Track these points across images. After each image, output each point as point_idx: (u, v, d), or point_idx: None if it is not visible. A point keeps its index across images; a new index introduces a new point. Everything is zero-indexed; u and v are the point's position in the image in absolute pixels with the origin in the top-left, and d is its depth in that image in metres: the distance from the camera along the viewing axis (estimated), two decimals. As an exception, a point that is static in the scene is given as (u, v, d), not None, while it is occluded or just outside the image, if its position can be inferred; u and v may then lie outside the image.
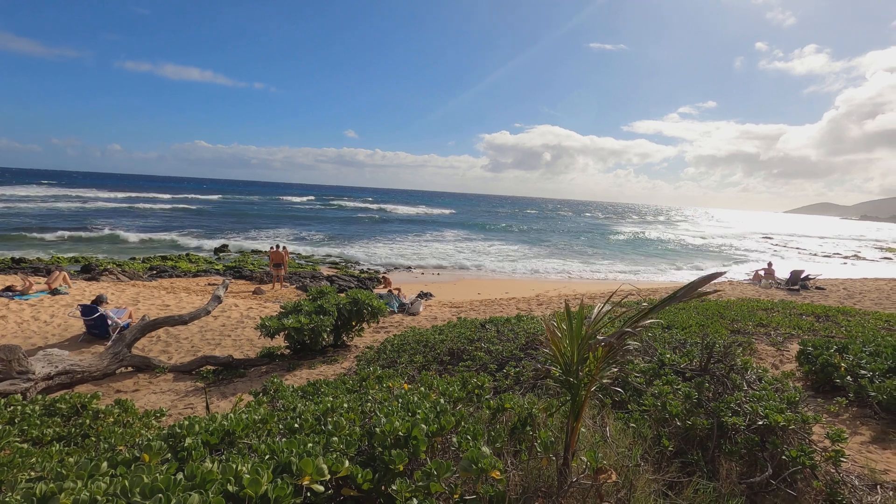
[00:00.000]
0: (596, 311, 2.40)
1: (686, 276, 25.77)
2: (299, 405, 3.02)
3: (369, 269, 23.71)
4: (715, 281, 2.14)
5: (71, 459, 2.30)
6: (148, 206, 51.01)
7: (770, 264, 19.79)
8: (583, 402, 2.32)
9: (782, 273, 19.47)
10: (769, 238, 61.58)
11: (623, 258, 33.38)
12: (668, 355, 4.41)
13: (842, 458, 3.01)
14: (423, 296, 16.21)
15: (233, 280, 17.72)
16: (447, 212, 78.41)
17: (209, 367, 7.82)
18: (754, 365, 4.26)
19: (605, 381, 2.43)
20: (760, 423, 3.08)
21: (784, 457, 2.92)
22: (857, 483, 2.99)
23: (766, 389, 3.60)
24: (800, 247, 49.01)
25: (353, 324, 9.18)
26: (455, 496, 1.95)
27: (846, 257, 39.05)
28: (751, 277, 20.02)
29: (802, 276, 17.73)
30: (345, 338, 9.28)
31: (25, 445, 2.73)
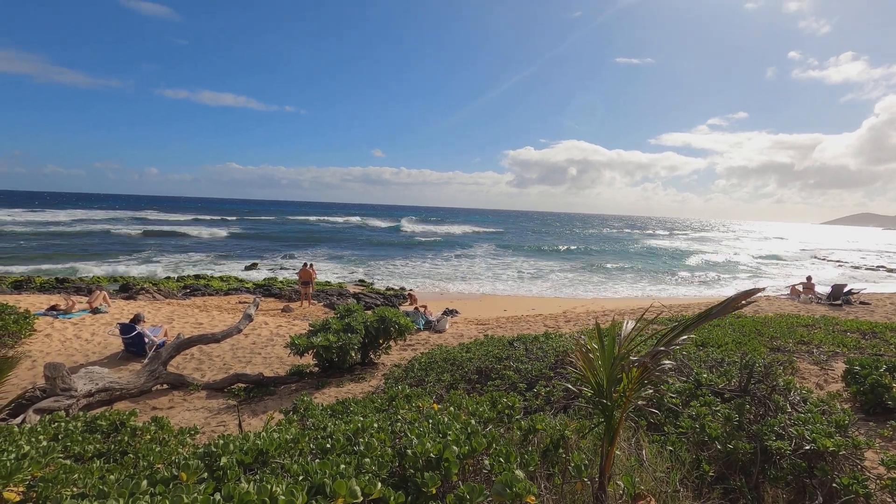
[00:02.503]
0: (627, 328, 2.35)
1: (720, 292, 24.99)
2: (329, 424, 3.04)
3: (396, 286, 23.85)
4: (752, 297, 2.07)
5: (112, 477, 2.36)
6: (186, 229, 52.77)
7: (809, 278, 18.99)
8: (618, 425, 2.26)
9: (823, 287, 18.66)
10: (807, 250, 59.28)
11: (652, 273, 32.65)
12: (704, 375, 4.26)
13: (899, 487, 2.83)
14: (449, 313, 16.17)
15: (262, 298, 18.08)
16: (472, 228, 78.50)
17: (240, 385, 7.95)
18: (797, 385, 4.07)
19: (640, 402, 2.37)
20: (807, 447, 2.93)
21: (835, 485, 2.76)
22: (917, 514, 2.79)
23: (812, 412, 3.43)
24: (841, 259, 46.97)
25: (381, 342, 9.21)
26: (488, 521, 1.92)
27: (891, 270, 37.17)
28: (788, 292, 19.26)
29: (845, 290, 16.92)
30: (372, 355, 9.31)
31: (68, 462, 2.82)
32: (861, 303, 16.29)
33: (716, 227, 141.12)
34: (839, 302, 16.14)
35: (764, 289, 2.42)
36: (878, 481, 2.89)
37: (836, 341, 7.68)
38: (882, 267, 39.40)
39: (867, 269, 38.36)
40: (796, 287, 18.73)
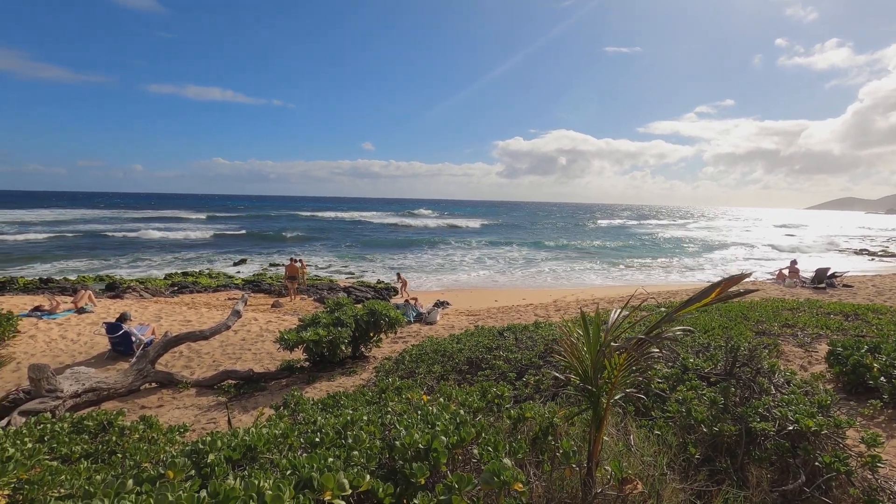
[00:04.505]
0: (613, 316, 2.36)
1: (708, 277, 25.30)
2: (319, 418, 3.03)
3: (386, 279, 23.80)
4: (744, 281, 2.09)
5: (98, 477, 2.34)
6: (173, 226, 52.05)
7: (794, 262, 19.31)
8: (605, 411, 2.28)
9: (807, 271, 18.98)
10: (792, 235, 60.19)
11: (642, 260, 32.92)
12: (690, 359, 4.32)
13: (879, 464, 2.90)
14: (440, 304, 16.19)
15: (251, 294, 17.95)
16: (463, 220, 78.45)
17: (230, 382, 7.91)
18: (781, 367, 4.14)
19: (627, 389, 2.39)
20: (791, 428, 2.99)
21: (817, 463, 2.82)
22: (896, 489, 2.87)
23: (796, 393, 3.49)
24: (824, 243, 47.73)
25: (371, 335, 9.20)
26: (477, 509, 1.93)
27: (873, 253, 37.87)
28: (774, 277, 19.56)
29: (828, 273, 17.24)
30: (363, 349, 9.31)
31: (55, 463, 2.79)
32: (844, 285, 16.62)
33: (721, 216, 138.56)
34: (823, 285, 16.45)
35: (751, 273, 2.44)
36: (858, 459, 2.96)
37: (819, 324, 7.82)
38: (865, 250, 40.09)
39: (850, 251, 38.90)
40: (782, 271, 19.04)
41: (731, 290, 2.09)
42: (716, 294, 2.10)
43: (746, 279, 2.04)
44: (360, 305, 9.43)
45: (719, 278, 2.30)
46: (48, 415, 3.78)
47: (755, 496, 2.68)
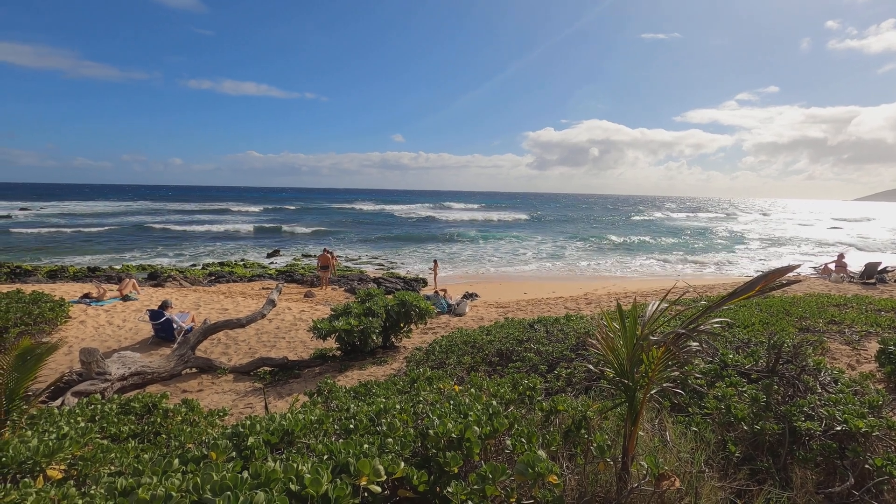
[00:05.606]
0: (650, 309, 2.30)
1: (747, 272, 24.41)
2: (352, 406, 3.08)
3: (416, 270, 23.95)
4: (789, 275, 1.99)
5: (146, 456, 2.45)
6: (213, 218, 53.75)
7: (841, 256, 18.37)
8: (641, 406, 2.24)
9: (855, 265, 18.04)
10: (839, 228, 57.26)
11: (677, 254, 32.03)
12: (730, 355, 4.19)
13: (935, 469, 2.75)
14: (469, 296, 16.19)
15: (285, 284, 18.40)
16: (494, 212, 77.99)
17: (266, 368, 8.15)
18: (828, 366, 3.96)
19: (664, 383, 2.33)
20: (839, 428, 2.86)
21: (868, 466, 2.69)
22: (954, 496, 2.71)
23: (844, 392, 3.33)
24: (874, 236, 45.24)
25: (401, 325, 9.29)
26: (511, 500, 1.93)
27: (930, 247, 35.66)
28: (819, 271, 18.68)
29: (879, 268, 16.32)
30: (393, 339, 9.41)
31: (105, 442, 2.94)
32: (896, 281, 15.72)
33: (770, 208, 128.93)
34: (873, 280, 15.60)
35: (799, 265, 2.33)
36: (913, 463, 2.81)
37: (869, 321, 7.43)
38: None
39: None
40: (827, 265, 18.17)
41: (774, 282, 2.00)
42: (760, 287, 2.02)
43: (792, 272, 1.95)
44: (390, 296, 9.53)
45: (759, 273, 2.21)
46: (98, 396, 3.98)
47: (799, 497, 2.59)
